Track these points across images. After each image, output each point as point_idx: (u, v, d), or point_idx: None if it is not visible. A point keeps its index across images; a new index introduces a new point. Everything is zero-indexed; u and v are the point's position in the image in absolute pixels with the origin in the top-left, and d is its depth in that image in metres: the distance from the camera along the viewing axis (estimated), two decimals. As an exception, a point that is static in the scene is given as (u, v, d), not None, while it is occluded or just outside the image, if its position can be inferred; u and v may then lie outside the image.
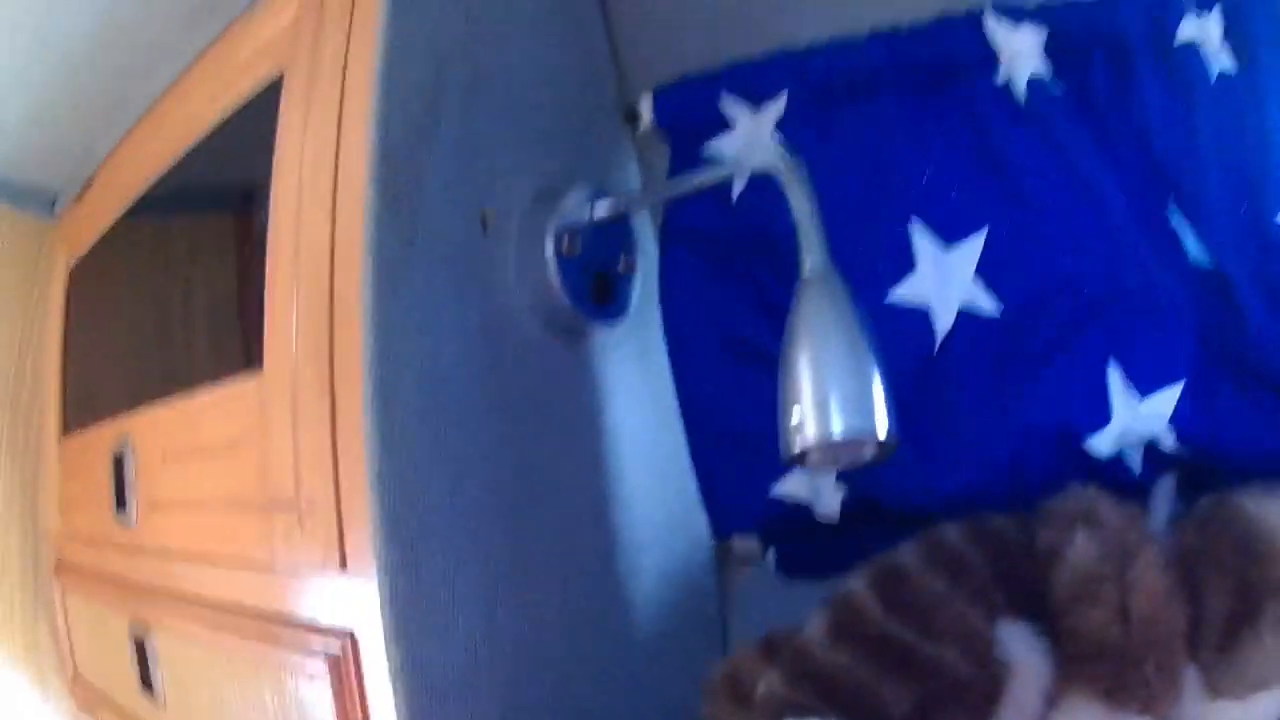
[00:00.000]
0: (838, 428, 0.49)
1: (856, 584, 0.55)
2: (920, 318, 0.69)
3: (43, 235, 1.23)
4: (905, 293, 0.69)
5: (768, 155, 0.53)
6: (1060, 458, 0.66)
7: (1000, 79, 0.67)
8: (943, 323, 0.68)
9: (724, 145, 0.75)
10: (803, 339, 0.51)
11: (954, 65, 0.67)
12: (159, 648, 0.85)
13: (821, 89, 0.71)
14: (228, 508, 0.71)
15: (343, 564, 0.59)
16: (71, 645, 1.05)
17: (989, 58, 0.67)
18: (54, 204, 1.24)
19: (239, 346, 0.80)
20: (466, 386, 0.61)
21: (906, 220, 0.70)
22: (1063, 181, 0.67)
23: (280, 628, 0.64)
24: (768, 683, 0.52)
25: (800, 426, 0.50)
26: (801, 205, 0.51)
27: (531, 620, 0.62)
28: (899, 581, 0.54)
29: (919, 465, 0.68)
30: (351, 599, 0.58)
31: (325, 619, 0.60)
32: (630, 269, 0.70)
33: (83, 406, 1.04)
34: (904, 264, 0.70)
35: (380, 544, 0.56)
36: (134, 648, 0.88)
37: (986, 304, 0.68)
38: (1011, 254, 0.66)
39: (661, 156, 0.79)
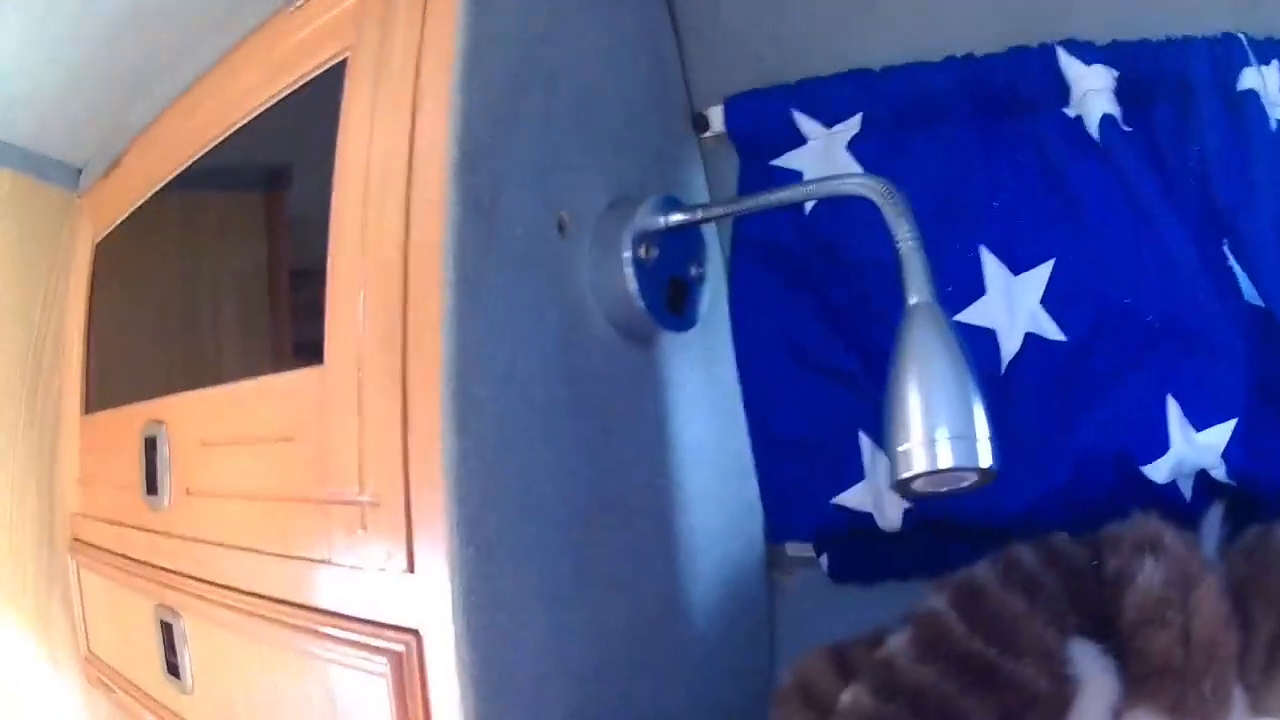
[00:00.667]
0: (945, 460, 0.49)
1: (937, 602, 0.54)
2: (988, 339, 0.70)
3: (66, 208, 1.20)
4: (974, 314, 0.70)
5: (865, 181, 0.52)
6: (1118, 481, 0.67)
7: (1071, 112, 0.68)
8: (1010, 346, 0.69)
9: (796, 160, 0.76)
10: (911, 367, 0.50)
11: (1025, 95, 0.68)
12: (188, 634, 0.83)
13: (895, 111, 0.71)
14: (277, 500, 0.68)
15: (410, 564, 0.57)
16: (86, 622, 1.02)
17: (1061, 91, 0.67)
18: (79, 177, 1.20)
19: (272, 332, 0.78)
20: (543, 389, 0.60)
21: (977, 245, 0.71)
22: (1128, 216, 0.68)
23: (333, 623, 0.62)
24: (854, 695, 0.52)
25: (908, 455, 0.49)
26: (904, 234, 0.51)
27: (597, 623, 0.61)
28: (980, 600, 0.54)
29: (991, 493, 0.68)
30: (419, 598, 0.57)
31: (388, 616, 0.58)
32: (701, 277, 0.69)
33: (106, 385, 1.01)
34: (973, 287, 0.71)
35: (455, 545, 0.54)
36: (160, 631, 0.86)
37: (1052, 330, 0.69)
38: (1076, 284, 0.67)
39: (728, 165, 0.79)
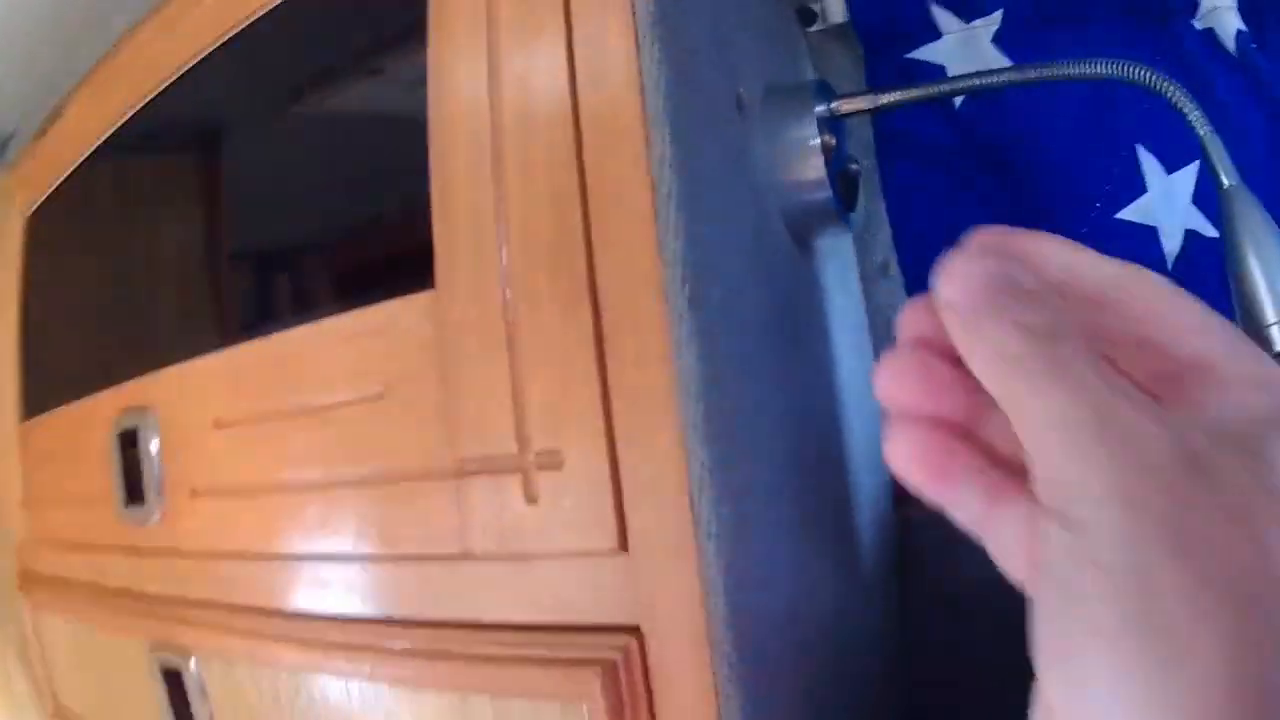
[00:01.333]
0: None
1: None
2: (1150, 235, 0.65)
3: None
4: (1135, 212, 0.66)
5: (1130, 65, 0.47)
6: None
7: (1199, 24, 0.65)
8: (1172, 243, 0.65)
9: (935, 53, 0.68)
10: (1248, 245, 0.45)
11: (1157, 3, 0.64)
12: (206, 679, 0.62)
13: (1037, 8, 0.66)
14: (362, 484, 0.50)
15: (622, 539, 0.41)
16: (50, 674, 0.77)
17: (1189, 3, 0.64)
18: (6, 147, 0.94)
19: (327, 261, 0.59)
20: (754, 294, 0.44)
21: (1133, 144, 0.66)
22: (1266, 125, 0.65)
23: (494, 640, 0.45)
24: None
25: (1271, 333, 0.43)
26: (1197, 118, 0.47)
27: (824, 584, 0.47)
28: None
29: None
30: (639, 583, 0.40)
31: (589, 615, 0.42)
32: (859, 172, 0.56)
33: (51, 381, 0.77)
34: (1132, 185, 0.66)
35: (708, 504, 0.38)
36: (162, 679, 0.64)
37: (1207, 228, 0.65)
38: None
39: (836, 61, 0.70)
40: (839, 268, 0.60)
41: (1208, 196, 0.65)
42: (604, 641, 0.41)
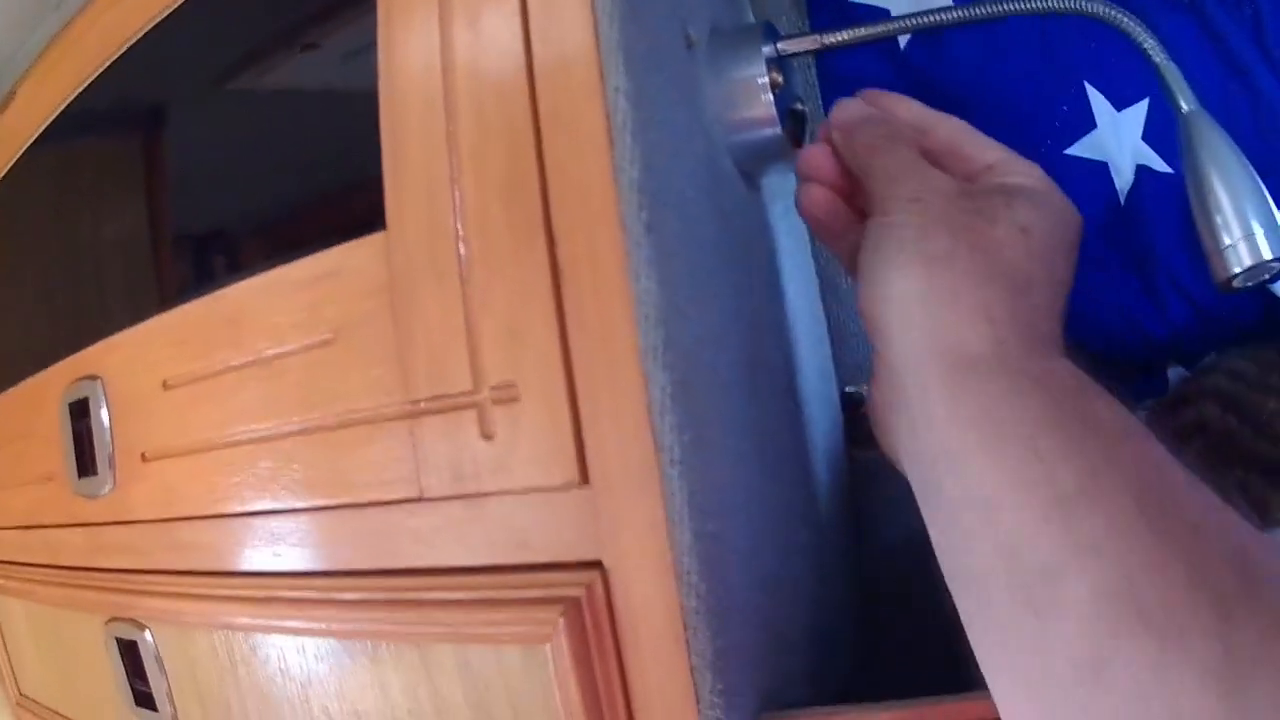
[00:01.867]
0: (1268, 251, 0.40)
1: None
2: (1101, 170, 0.63)
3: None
4: (1085, 148, 0.64)
5: (1095, 4, 0.45)
6: (1254, 308, 0.61)
7: None
8: (1124, 179, 0.64)
9: None
10: (1209, 169, 0.42)
11: None
12: (160, 650, 0.59)
13: None
14: (315, 431, 0.47)
15: (582, 471, 0.38)
16: (10, 661, 0.73)
17: None
18: None
19: (275, 214, 0.56)
20: (708, 225, 0.42)
21: (1080, 81, 0.65)
22: (1217, 68, 0.63)
23: (450, 584, 0.42)
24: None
25: (1235, 250, 0.40)
26: (1155, 50, 0.45)
27: (778, 517, 0.45)
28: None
29: (1125, 309, 0.62)
30: (601, 517, 0.38)
31: (549, 553, 0.39)
32: (806, 114, 0.54)
33: (1, 365, 0.74)
34: (1082, 121, 0.64)
35: (670, 430, 0.36)
36: (119, 654, 0.61)
37: (1159, 163, 0.64)
38: (1171, 125, 0.61)
39: (774, 3, 0.67)
40: (786, 209, 0.58)
41: (1159, 133, 0.64)
42: (566, 579, 0.39)
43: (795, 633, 0.45)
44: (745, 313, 0.43)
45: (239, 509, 0.51)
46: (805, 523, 0.49)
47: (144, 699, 0.60)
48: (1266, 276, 0.40)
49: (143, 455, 0.58)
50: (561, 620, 0.38)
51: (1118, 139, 0.63)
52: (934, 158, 0.37)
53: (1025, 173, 0.36)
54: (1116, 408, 0.28)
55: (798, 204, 0.42)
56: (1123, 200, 0.62)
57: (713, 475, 0.38)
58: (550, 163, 0.40)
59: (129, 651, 0.60)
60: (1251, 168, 0.41)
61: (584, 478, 0.38)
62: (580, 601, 0.38)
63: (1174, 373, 0.62)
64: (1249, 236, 0.39)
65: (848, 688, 0.54)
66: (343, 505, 0.46)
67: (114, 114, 0.76)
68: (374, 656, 0.46)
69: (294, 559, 0.48)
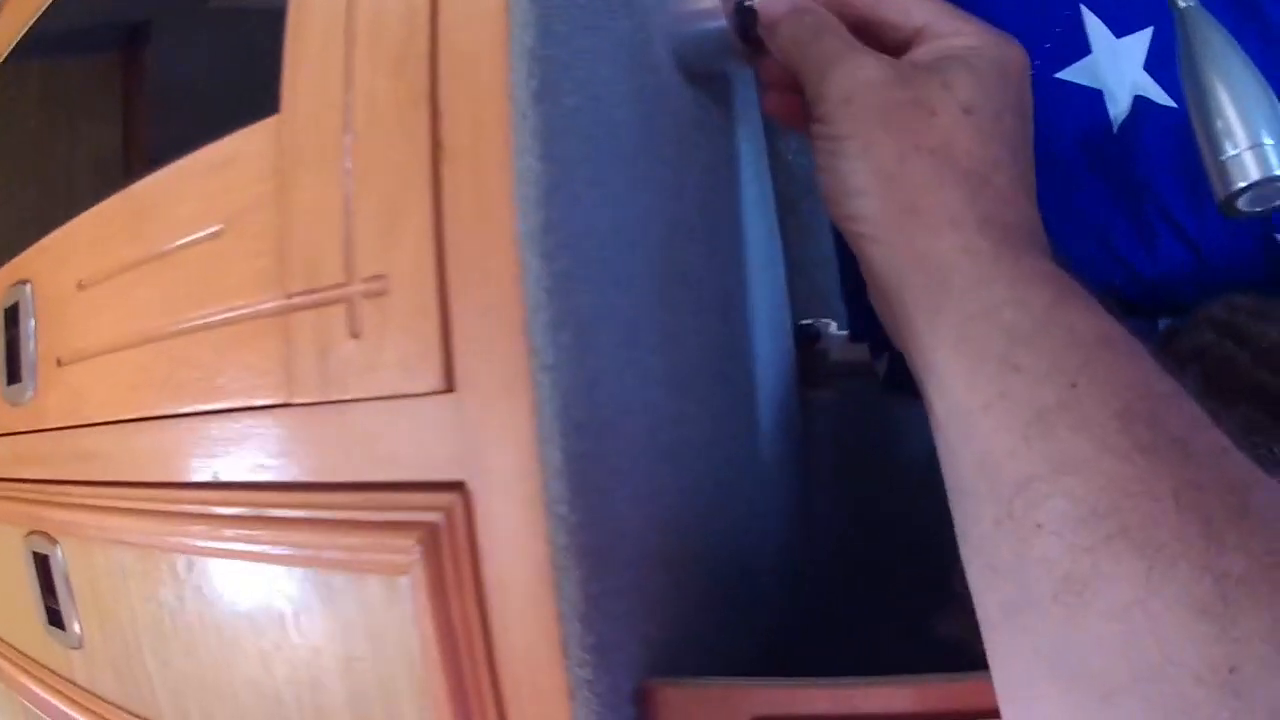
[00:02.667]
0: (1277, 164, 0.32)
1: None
2: (1095, 98, 0.55)
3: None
4: (1078, 73, 0.56)
5: None
6: (1252, 242, 0.52)
7: None
8: (1119, 107, 0.55)
9: None
10: (1210, 70, 0.35)
11: None
12: (69, 565, 0.55)
13: None
14: (198, 330, 0.42)
15: (448, 377, 0.32)
16: None
17: None
18: None
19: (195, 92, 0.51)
20: (625, 111, 0.35)
21: (1076, 4, 0.56)
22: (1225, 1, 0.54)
23: (304, 501, 0.37)
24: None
25: (1239, 161, 0.32)
26: None
27: (689, 443, 0.38)
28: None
29: (1107, 237, 0.54)
30: (467, 431, 0.32)
31: (410, 471, 0.34)
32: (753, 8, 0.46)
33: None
34: (1075, 45, 0.56)
35: (543, 331, 0.30)
36: (34, 568, 0.57)
37: (1161, 96, 0.55)
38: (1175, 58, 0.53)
39: None
40: (746, 120, 0.50)
41: (1163, 65, 0.55)
42: (426, 501, 0.32)
43: (706, 586, 0.38)
44: (665, 213, 0.36)
45: (134, 415, 0.46)
46: (733, 461, 0.42)
47: (55, 617, 0.56)
48: (1278, 202, 0.32)
49: (58, 360, 0.53)
50: (418, 549, 0.32)
51: (1115, 66, 0.55)
52: (866, 32, 0.33)
53: (956, 31, 0.31)
54: (1098, 313, 0.26)
55: (764, 106, 0.38)
56: (1115, 129, 0.54)
57: (598, 387, 0.31)
58: (442, 28, 0.33)
59: (42, 566, 0.56)
60: (1261, 75, 0.33)
61: (450, 383, 0.32)
62: (438, 528, 0.32)
63: (1164, 324, 0.54)
64: (1257, 147, 0.31)
65: (797, 658, 0.47)
66: (219, 411, 0.40)
67: (95, 29, 0.72)
68: (241, 575, 0.40)
69: (176, 469, 0.43)
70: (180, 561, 0.44)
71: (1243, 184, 0.31)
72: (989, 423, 0.25)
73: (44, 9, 0.72)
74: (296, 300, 0.36)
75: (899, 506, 0.54)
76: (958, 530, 0.27)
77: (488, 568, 0.32)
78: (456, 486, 0.32)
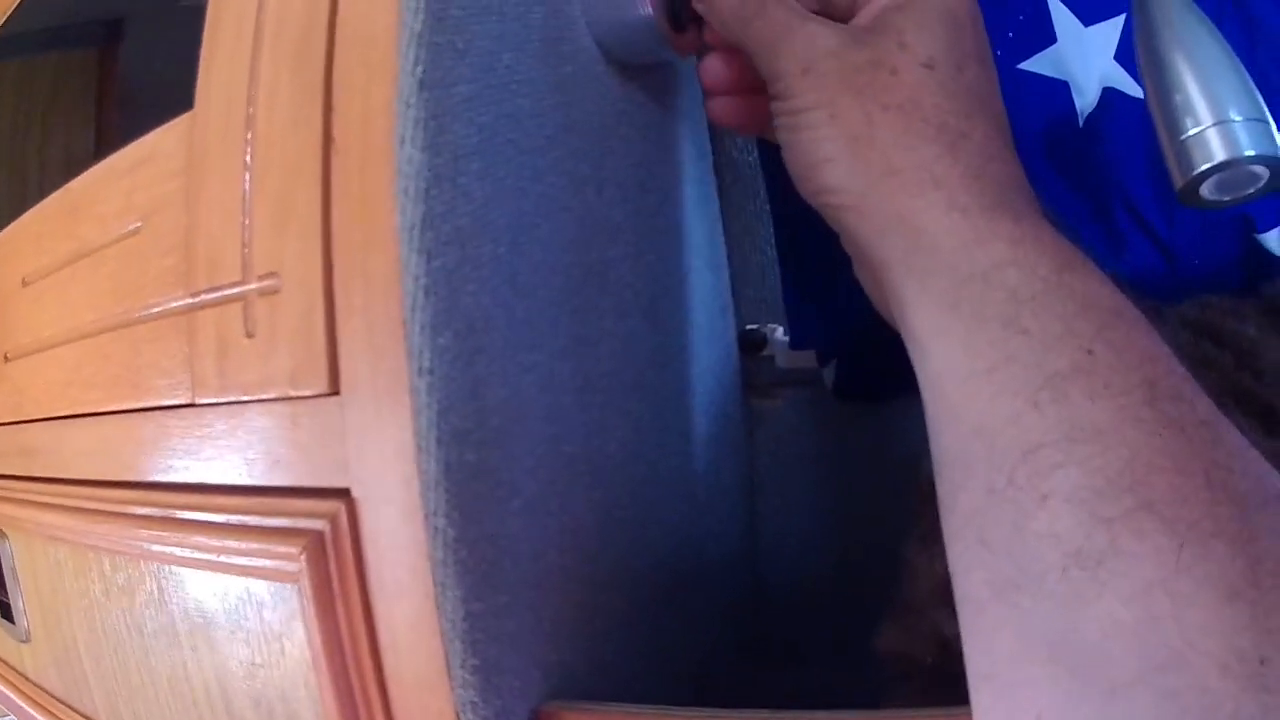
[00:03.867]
0: (1247, 144, 0.28)
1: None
2: (1060, 89, 0.51)
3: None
4: (1043, 64, 0.51)
5: None
6: (1230, 245, 0.48)
7: None
8: (1085, 99, 0.51)
9: None
10: (1168, 37, 0.30)
11: None
12: (17, 560, 0.53)
13: None
14: (119, 327, 0.40)
15: (333, 379, 0.30)
16: None
17: None
18: None
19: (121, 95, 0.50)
20: (531, 101, 0.33)
21: None
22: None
23: (200, 503, 0.35)
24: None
25: (1201, 141, 0.27)
26: None
27: (597, 456, 0.35)
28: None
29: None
30: (349, 437, 0.30)
31: (293, 476, 0.31)
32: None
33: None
34: (1040, 35, 0.52)
35: (423, 331, 0.27)
36: (-14, 562, 0.56)
37: (1130, 86, 0.51)
38: None
39: None
40: (693, 130, 0.47)
41: (1134, 55, 0.53)
42: (311, 508, 0.30)
43: (622, 610, 0.36)
44: (580, 211, 0.34)
45: (67, 411, 0.44)
46: (658, 476, 0.39)
47: (5, 610, 0.54)
48: (1251, 190, 0.28)
49: (4, 356, 0.52)
50: (303, 557, 0.30)
51: (1082, 57, 0.51)
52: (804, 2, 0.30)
53: None
54: (1109, 284, 0.23)
55: (709, 113, 0.34)
56: (1081, 121, 0.50)
57: (485, 393, 0.29)
58: (341, 18, 0.31)
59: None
60: (1229, 48, 0.29)
61: (335, 386, 0.29)
62: (324, 537, 0.30)
63: None
64: (1223, 124, 0.27)
65: (740, 687, 0.44)
66: (138, 410, 0.38)
67: (68, 27, 0.71)
68: (156, 577, 0.38)
69: (100, 468, 0.41)
70: (106, 560, 0.42)
71: (1205, 166, 0.27)
72: (991, 388, 0.22)
73: (17, 7, 0.71)
74: (201, 299, 0.34)
75: (852, 522, 0.51)
76: (941, 503, 0.24)
77: (374, 580, 0.29)
78: (342, 494, 0.29)
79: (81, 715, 0.49)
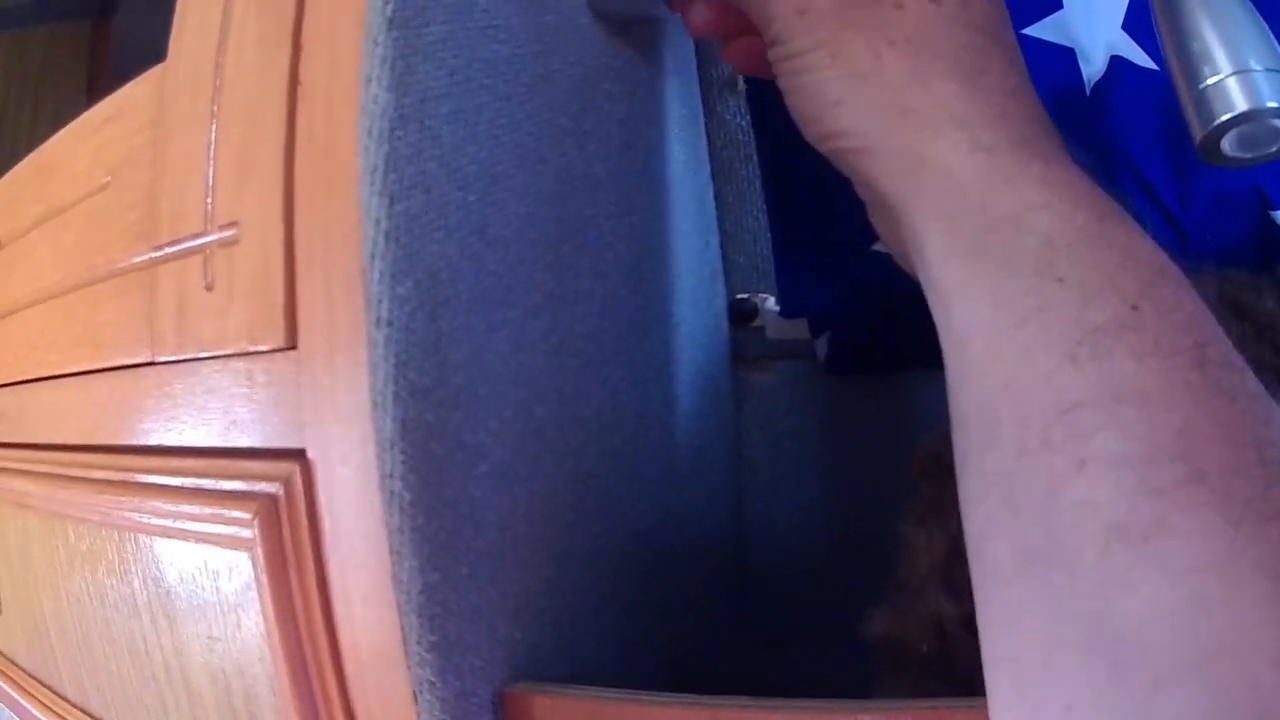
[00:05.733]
0: (1271, 97, 0.25)
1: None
2: (1067, 57, 0.49)
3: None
4: (1048, 30, 0.48)
5: None
6: (1244, 222, 0.46)
7: None
8: (1093, 67, 0.48)
9: None
10: None
11: None
12: (-8, 529, 0.51)
13: None
14: (86, 285, 0.38)
15: (291, 333, 0.28)
16: None
17: None
18: None
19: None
20: (508, 48, 0.31)
21: None
22: None
23: (156, 466, 0.32)
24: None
25: (1221, 90, 0.25)
26: None
27: (570, 420, 0.32)
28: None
29: None
30: (305, 394, 0.28)
31: (248, 437, 0.29)
32: None
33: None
34: (1048, 0, 0.49)
35: (384, 279, 0.25)
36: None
37: (1140, 57, 0.48)
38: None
39: None
40: (683, 91, 0.44)
41: (1144, 24, 0.48)
42: (265, 470, 0.28)
43: (595, 588, 0.33)
44: (559, 164, 0.31)
45: (31, 375, 0.42)
46: (638, 448, 0.37)
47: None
48: (1274, 149, 0.26)
49: (-14, 317, 0.50)
50: (256, 522, 0.28)
51: (1089, 24, 0.48)
52: None
53: None
54: (1148, 238, 0.21)
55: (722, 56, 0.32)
56: (1088, 90, 0.47)
57: (449, 349, 0.26)
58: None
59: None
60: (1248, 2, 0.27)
61: (292, 339, 0.27)
62: (277, 500, 0.27)
63: None
64: (1243, 73, 0.25)
65: (724, 673, 0.42)
66: (98, 371, 0.36)
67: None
68: (117, 544, 0.36)
69: (62, 431, 0.39)
70: (71, 527, 0.40)
71: (1226, 116, 0.24)
72: (1022, 340, 0.20)
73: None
74: (163, 252, 0.32)
75: (844, 501, 0.49)
76: (960, 467, 0.22)
77: (329, 548, 0.27)
78: (297, 455, 0.27)
79: (48, 688, 0.47)
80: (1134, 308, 0.19)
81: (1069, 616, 0.17)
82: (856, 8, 0.24)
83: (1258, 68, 0.25)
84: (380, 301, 0.25)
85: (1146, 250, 0.20)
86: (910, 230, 0.23)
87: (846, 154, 0.24)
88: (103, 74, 0.63)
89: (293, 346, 0.27)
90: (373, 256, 0.25)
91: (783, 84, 0.26)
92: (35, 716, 0.48)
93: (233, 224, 0.29)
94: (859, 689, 0.29)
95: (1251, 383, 0.19)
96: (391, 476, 0.25)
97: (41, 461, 0.41)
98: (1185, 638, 0.16)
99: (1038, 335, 0.19)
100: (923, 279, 0.23)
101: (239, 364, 0.29)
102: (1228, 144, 0.25)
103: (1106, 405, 0.18)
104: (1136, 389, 0.18)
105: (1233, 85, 0.25)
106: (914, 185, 0.23)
